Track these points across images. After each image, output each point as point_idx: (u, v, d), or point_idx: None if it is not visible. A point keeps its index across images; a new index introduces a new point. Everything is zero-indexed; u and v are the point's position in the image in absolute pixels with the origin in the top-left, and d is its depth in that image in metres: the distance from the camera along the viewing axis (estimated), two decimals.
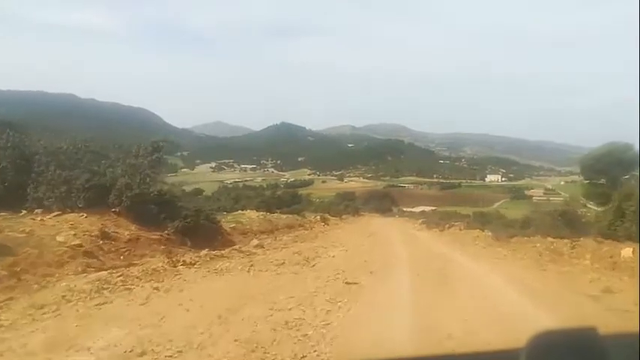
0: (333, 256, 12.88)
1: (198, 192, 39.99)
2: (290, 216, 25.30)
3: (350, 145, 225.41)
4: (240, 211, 21.66)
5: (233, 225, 14.55)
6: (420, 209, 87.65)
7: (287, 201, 45.39)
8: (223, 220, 15.73)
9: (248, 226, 16.33)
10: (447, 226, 32.46)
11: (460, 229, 30.41)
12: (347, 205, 58.92)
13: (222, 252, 11.34)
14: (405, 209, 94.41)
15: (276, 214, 24.02)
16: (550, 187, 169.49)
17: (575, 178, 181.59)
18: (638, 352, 1.08)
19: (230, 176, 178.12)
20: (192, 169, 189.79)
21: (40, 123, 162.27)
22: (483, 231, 26.60)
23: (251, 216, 19.04)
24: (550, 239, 17.39)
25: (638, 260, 10.40)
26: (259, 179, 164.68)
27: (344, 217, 47.84)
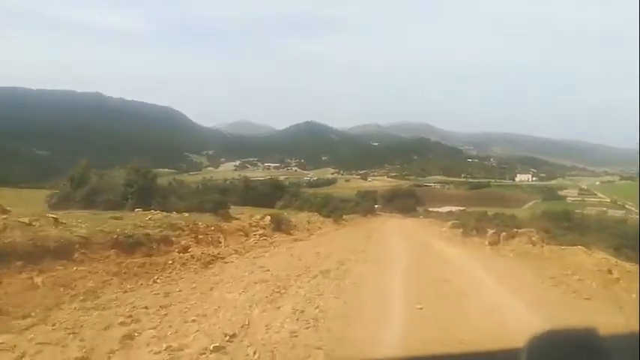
0: None
1: None
2: (174, 215, 10.95)
3: (375, 144, 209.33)
4: None
5: None
6: (447, 209, 74.19)
7: (265, 195, 30.94)
8: None
9: None
10: (503, 235, 17.11)
11: (531, 243, 15.25)
12: (357, 203, 43.84)
13: None
14: (430, 209, 79.68)
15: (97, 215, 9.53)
16: (585, 187, 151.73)
17: (611, 178, 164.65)
18: (638, 352, 1.03)
19: (253, 174, 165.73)
20: (217, 167, 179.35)
21: (70, 121, 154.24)
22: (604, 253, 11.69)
23: None
24: None
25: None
26: (282, 178, 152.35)
27: (346, 218, 32.88)
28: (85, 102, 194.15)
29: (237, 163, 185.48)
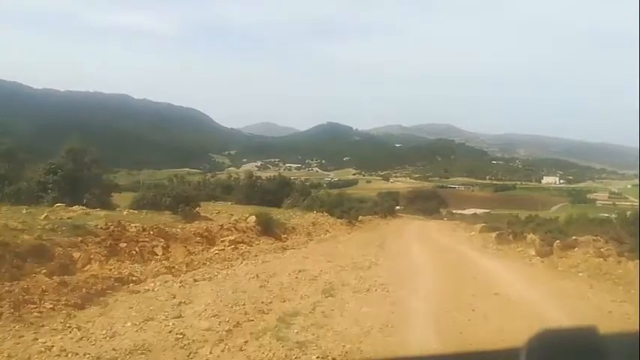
0: None
1: None
2: (101, 214, 7.42)
3: (397, 145, 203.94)
4: None
5: None
6: (472, 211, 70.06)
7: (271, 193, 27.38)
8: None
9: None
10: (557, 244, 12.98)
11: (601, 257, 11.17)
12: (376, 203, 39.91)
13: None
14: (454, 211, 75.43)
15: None
16: (616, 190, 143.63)
17: None
18: (638, 352, 0.98)
19: (272, 175, 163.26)
20: (238, 168, 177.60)
21: (97, 121, 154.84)
22: None
23: None
24: None
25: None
26: (302, 178, 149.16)
27: (362, 219, 29.06)
28: (112, 103, 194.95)
29: (259, 163, 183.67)
